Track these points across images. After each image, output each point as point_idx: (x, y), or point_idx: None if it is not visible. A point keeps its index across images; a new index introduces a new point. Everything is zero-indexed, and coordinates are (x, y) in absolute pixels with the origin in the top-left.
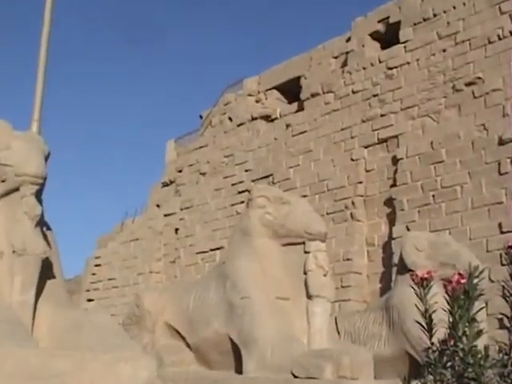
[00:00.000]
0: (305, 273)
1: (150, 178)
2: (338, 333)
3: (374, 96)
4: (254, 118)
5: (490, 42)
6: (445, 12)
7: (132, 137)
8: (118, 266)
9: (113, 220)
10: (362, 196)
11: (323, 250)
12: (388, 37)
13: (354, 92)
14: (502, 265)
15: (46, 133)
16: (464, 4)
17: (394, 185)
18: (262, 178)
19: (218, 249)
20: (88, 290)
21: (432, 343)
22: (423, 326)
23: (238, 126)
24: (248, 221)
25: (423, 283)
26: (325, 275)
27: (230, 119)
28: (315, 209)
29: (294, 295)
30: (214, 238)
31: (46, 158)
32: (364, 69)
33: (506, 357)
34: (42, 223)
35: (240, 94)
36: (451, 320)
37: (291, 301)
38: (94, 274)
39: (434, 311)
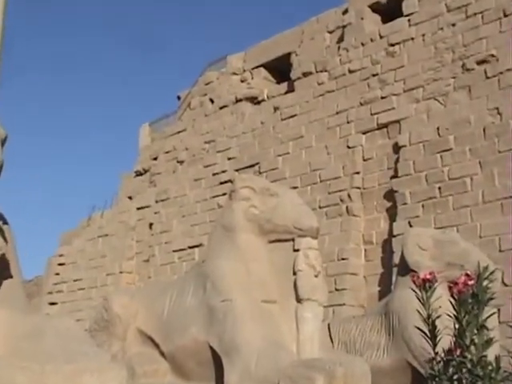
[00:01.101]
0: (294, 273)
1: (121, 167)
2: (332, 341)
3: (374, 76)
4: (238, 100)
5: (505, 15)
6: None
7: (101, 120)
8: (85, 265)
9: (78, 214)
10: (359, 188)
11: (315, 248)
12: (390, 9)
13: (350, 71)
14: None
15: (1, 114)
16: None
17: (395, 176)
18: (246, 168)
19: (196, 246)
20: (50, 293)
21: (436, 353)
22: (426, 334)
23: (221, 108)
24: (231, 215)
25: (426, 285)
26: (316, 276)
27: (212, 101)
28: (306, 202)
29: (281, 298)
30: (192, 234)
31: (3, 142)
32: (363, 45)
33: None
34: None
35: (223, 73)
36: (458, 327)
37: (279, 304)
38: (57, 275)
39: (439, 317)
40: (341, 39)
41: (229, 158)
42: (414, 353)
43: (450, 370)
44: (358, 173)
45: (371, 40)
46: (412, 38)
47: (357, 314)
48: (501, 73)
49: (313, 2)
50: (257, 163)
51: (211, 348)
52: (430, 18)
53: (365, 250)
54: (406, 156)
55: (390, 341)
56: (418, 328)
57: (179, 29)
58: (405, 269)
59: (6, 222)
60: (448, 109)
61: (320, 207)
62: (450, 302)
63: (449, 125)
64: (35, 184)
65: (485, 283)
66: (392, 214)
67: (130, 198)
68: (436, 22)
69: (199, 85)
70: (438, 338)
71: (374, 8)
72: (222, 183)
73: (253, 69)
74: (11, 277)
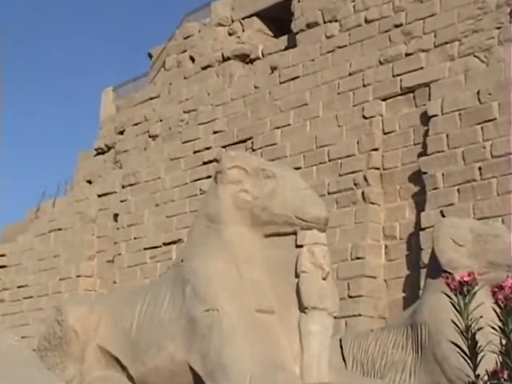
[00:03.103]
0: (297, 275)
1: (77, 144)
2: (344, 360)
3: (397, 27)
4: (225, 58)
5: None
6: None
7: (53, 84)
8: (32, 267)
9: (24, 203)
10: (377, 169)
11: (323, 244)
12: None
13: (367, 21)
14: None
15: None
16: None
17: (423, 153)
18: (236, 143)
19: (174, 242)
20: None
21: (477, 376)
22: (464, 351)
23: (204, 68)
24: (217, 202)
25: (463, 290)
26: (324, 279)
27: (192, 59)
28: (312, 186)
29: (281, 307)
30: (168, 228)
31: None
32: None
33: None
34: None
35: (206, 24)
36: (504, 342)
37: (277, 315)
38: None
39: (480, 329)
40: None
41: (214, 132)
42: (448, 375)
43: None
44: (376, 149)
45: None
46: None
47: (376, 327)
48: None
49: None
50: (249, 138)
51: (192, 370)
52: None
53: (385, 247)
54: (437, 128)
55: (419, 360)
56: (454, 343)
57: None
58: (436, 269)
59: None
60: (491, 68)
61: (329, 193)
62: (495, 311)
63: (492, 88)
64: None
65: None
66: (419, 201)
67: (90, 182)
68: None
69: (176, 39)
70: (479, 357)
71: None
72: (205, 163)
73: (244, 19)
74: None
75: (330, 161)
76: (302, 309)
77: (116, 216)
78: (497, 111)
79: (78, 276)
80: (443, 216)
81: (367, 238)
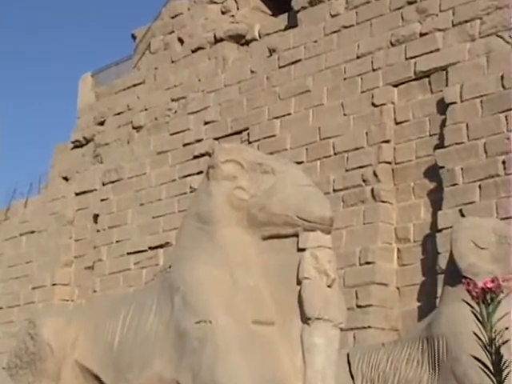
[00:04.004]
0: (299, 282)
1: (52, 135)
2: (352, 377)
3: (410, 3)
4: (218, 40)
5: None
6: None
7: (23, 69)
8: (1, 275)
9: None
10: (389, 163)
11: (327, 247)
12: None
13: None
14: None
15: None
16: None
17: (440, 145)
18: (231, 135)
19: (161, 246)
20: None
21: None
22: (487, 367)
23: (194, 51)
24: (209, 201)
25: (486, 298)
26: (330, 286)
27: (181, 41)
28: (315, 182)
29: (281, 318)
30: (155, 230)
31: None
32: None
33: None
34: None
35: (196, 1)
36: None
37: (277, 327)
38: None
39: (505, 342)
40: None
41: (206, 122)
42: None
43: None
44: (387, 141)
45: None
46: None
47: (388, 340)
48: None
49: None
50: (245, 129)
51: None
52: None
53: (398, 251)
54: (455, 117)
55: (436, 377)
56: (476, 358)
57: None
58: (455, 275)
59: None
60: None
61: (334, 190)
62: None
63: None
64: None
65: None
66: (436, 199)
67: (66, 178)
68: None
69: (163, 18)
70: (504, 373)
71: None
72: (196, 157)
73: None
74: None
75: (335, 154)
76: (305, 320)
77: (96, 217)
78: None
79: (54, 284)
80: (462, 216)
81: (377, 241)
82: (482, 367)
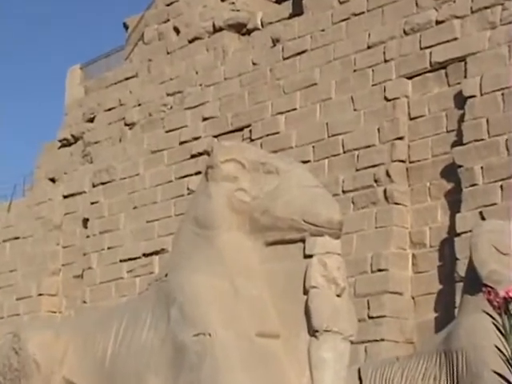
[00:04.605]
0: (305, 292)
1: (38, 133)
2: None
3: None
4: (217, 29)
5: None
6: None
7: (7, 61)
8: None
9: None
10: (403, 161)
11: (337, 253)
12: None
13: None
14: None
15: None
16: None
17: (458, 142)
18: (231, 132)
19: (156, 253)
20: None
21: None
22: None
23: (191, 42)
24: (208, 204)
25: (509, 308)
26: (339, 295)
27: (177, 31)
28: (323, 183)
29: (286, 330)
30: (149, 236)
31: None
32: None
33: None
34: None
35: None
36: None
37: (282, 339)
38: None
39: None
40: None
41: (204, 119)
42: None
43: None
44: (401, 138)
45: None
46: None
47: (402, 354)
48: None
49: None
50: (247, 125)
51: None
52: None
53: (413, 257)
54: (475, 112)
55: None
56: (499, 374)
57: None
58: (475, 284)
59: None
60: None
61: (344, 191)
62: None
63: None
64: None
65: None
66: (454, 200)
67: (53, 180)
68: None
69: (157, 6)
70: None
71: None
72: (193, 156)
73: None
74: None
75: (344, 153)
76: (312, 332)
77: (85, 221)
78: None
79: (40, 295)
80: (483, 218)
81: (391, 246)
82: (505, 383)
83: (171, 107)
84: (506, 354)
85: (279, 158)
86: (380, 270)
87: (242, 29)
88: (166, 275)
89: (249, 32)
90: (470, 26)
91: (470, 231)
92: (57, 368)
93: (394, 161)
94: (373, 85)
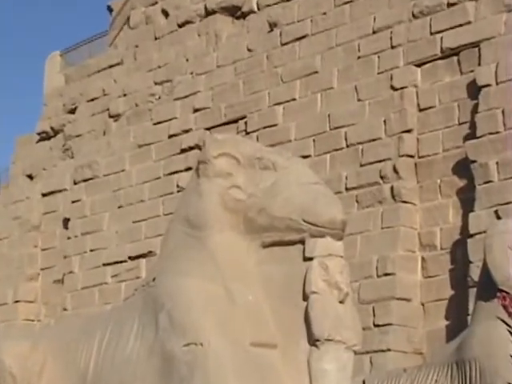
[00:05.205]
0: (305, 297)
1: (14, 126)
2: None
3: None
4: (209, 12)
5: None
6: None
7: None
8: None
9: None
10: (411, 156)
11: (339, 255)
12: None
13: None
14: None
15: None
16: None
17: (471, 135)
18: (225, 124)
19: (143, 256)
20: None
21: None
22: None
23: (180, 26)
24: (199, 202)
25: None
26: (342, 302)
27: (166, 14)
28: (325, 180)
29: (284, 339)
30: (136, 237)
31: None
32: None
33: None
34: None
35: None
36: None
37: (280, 349)
38: None
39: None
40: None
41: (195, 110)
42: None
43: None
44: (409, 131)
45: None
46: None
47: (410, 365)
48: None
49: None
50: (242, 117)
51: None
52: None
53: (422, 260)
54: (489, 102)
55: None
56: None
57: None
58: (489, 289)
59: None
60: None
61: (347, 189)
62: None
63: None
64: None
65: None
66: (467, 198)
67: (31, 176)
68: None
69: None
70: None
71: None
72: (183, 151)
73: None
74: None
75: (347, 147)
76: (313, 341)
77: (66, 221)
78: None
79: (17, 301)
80: (498, 218)
81: (398, 248)
82: None
83: (159, 97)
84: None
85: (277, 152)
86: (386, 275)
87: (236, 12)
88: (154, 279)
89: (244, 15)
90: (484, 8)
91: (484, 232)
92: (35, 381)
93: (402, 156)
94: (378, 73)
